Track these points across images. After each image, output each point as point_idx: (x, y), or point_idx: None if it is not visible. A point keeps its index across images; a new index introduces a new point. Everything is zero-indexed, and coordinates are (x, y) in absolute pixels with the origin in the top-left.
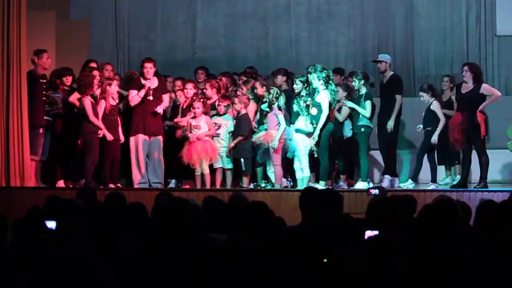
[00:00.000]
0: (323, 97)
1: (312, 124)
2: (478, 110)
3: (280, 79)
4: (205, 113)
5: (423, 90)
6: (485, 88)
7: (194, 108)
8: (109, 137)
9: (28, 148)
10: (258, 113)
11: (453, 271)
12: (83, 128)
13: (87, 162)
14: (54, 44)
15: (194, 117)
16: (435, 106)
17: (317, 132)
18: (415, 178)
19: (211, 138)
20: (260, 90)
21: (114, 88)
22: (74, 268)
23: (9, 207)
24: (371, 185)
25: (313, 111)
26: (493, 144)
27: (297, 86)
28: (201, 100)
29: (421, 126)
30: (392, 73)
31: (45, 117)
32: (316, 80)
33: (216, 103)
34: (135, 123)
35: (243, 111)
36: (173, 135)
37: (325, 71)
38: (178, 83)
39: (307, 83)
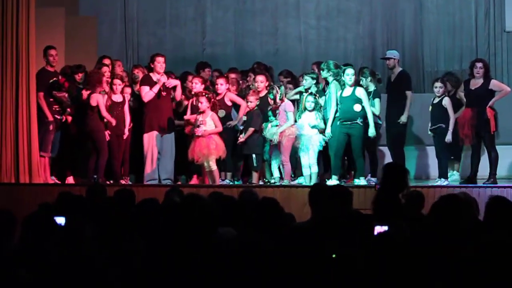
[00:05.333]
0: (362, 92)
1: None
2: (488, 106)
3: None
4: (213, 108)
5: (441, 81)
6: (494, 83)
7: (200, 102)
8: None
9: (37, 145)
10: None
11: (462, 268)
12: (90, 126)
13: (99, 160)
14: (63, 41)
15: (202, 113)
16: (448, 102)
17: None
18: (446, 176)
19: (217, 134)
20: (262, 86)
21: (118, 86)
22: (79, 266)
23: (17, 204)
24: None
25: (357, 107)
26: (502, 139)
27: (306, 82)
28: (205, 95)
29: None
30: (400, 69)
31: (55, 115)
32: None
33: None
34: (149, 119)
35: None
36: (181, 132)
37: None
38: (189, 77)
39: (317, 80)
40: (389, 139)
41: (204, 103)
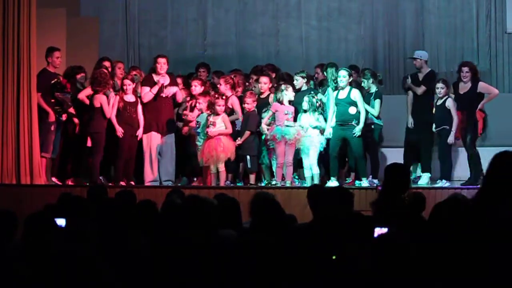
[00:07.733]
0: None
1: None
2: (478, 109)
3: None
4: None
5: (444, 82)
6: (482, 86)
7: (218, 105)
8: (119, 132)
9: (38, 146)
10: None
11: (463, 269)
12: (91, 127)
13: (94, 161)
14: (65, 41)
15: (216, 114)
16: (451, 103)
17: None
18: (448, 177)
19: (228, 135)
20: (265, 87)
21: (129, 86)
22: (76, 267)
23: (18, 205)
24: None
25: (352, 110)
26: (493, 141)
27: (297, 82)
28: (224, 98)
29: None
30: (429, 69)
31: (55, 116)
32: (347, 78)
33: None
34: (148, 120)
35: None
36: (179, 132)
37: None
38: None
39: (308, 79)
40: (411, 139)
41: (222, 106)
